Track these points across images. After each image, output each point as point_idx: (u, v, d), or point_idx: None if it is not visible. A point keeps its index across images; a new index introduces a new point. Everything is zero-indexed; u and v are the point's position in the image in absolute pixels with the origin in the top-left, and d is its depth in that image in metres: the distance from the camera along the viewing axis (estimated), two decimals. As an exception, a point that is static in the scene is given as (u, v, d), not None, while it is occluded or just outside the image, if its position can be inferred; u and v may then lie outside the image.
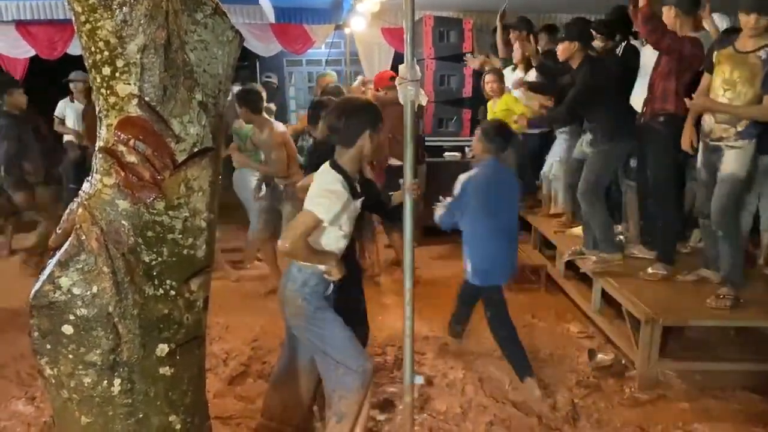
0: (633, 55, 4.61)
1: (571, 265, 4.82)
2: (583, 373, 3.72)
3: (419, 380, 3.11)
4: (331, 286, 2.71)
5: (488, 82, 5.47)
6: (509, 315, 3.52)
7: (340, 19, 7.33)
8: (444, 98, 6.61)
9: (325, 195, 2.54)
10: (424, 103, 5.46)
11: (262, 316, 4.64)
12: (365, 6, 5.52)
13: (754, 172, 3.89)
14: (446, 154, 6.40)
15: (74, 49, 7.54)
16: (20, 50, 7.48)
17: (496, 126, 3.63)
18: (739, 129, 3.58)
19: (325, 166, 2.68)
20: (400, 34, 7.48)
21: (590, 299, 4.35)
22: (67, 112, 7.18)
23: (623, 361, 3.81)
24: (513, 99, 5.42)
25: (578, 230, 4.89)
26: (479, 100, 6.12)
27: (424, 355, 3.92)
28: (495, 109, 5.49)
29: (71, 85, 7.15)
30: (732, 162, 3.63)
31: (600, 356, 3.85)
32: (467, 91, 6.63)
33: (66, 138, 7.29)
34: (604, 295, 4.22)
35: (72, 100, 7.19)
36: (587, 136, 4.56)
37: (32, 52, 7.54)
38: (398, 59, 7.69)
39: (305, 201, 2.60)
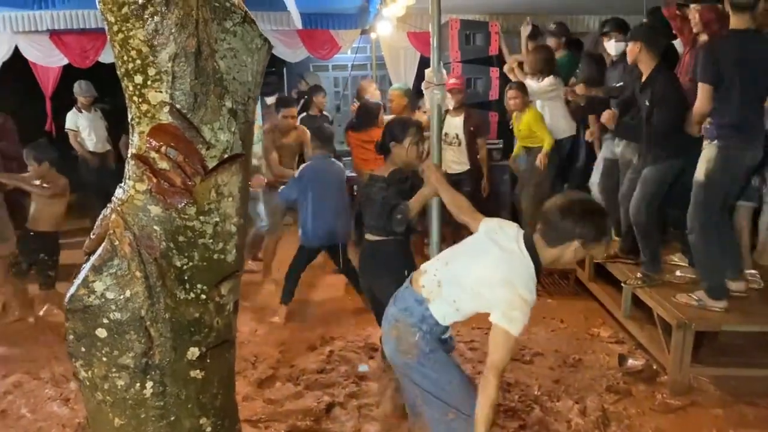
0: (675, 57, 4.47)
1: (600, 270, 4.77)
2: (613, 378, 3.68)
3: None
4: (449, 330, 2.42)
5: (510, 98, 5.43)
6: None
7: (366, 24, 7.36)
8: (470, 102, 6.57)
9: (523, 308, 2.12)
10: (450, 107, 5.45)
11: (290, 320, 4.68)
12: (391, 10, 5.52)
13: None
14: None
15: (105, 57, 7.70)
16: (54, 59, 7.63)
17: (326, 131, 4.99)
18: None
19: (522, 252, 2.23)
20: (426, 38, 7.46)
21: (620, 303, 4.29)
22: (80, 123, 7.29)
23: (654, 367, 3.76)
24: (535, 118, 5.33)
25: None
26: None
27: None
28: (518, 125, 5.46)
29: (77, 96, 7.32)
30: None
31: (631, 361, 3.80)
32: (494, 94, 6.59)
33: (80, 151, 7.45)
34: (635, 299, 4.16)
35: (80, 111, 7.34)
36: (622, 145, 4.47)
37: (65, 61, 7.69)
38: (424, 63, 7.71)
39: (498, 306, 2.14)
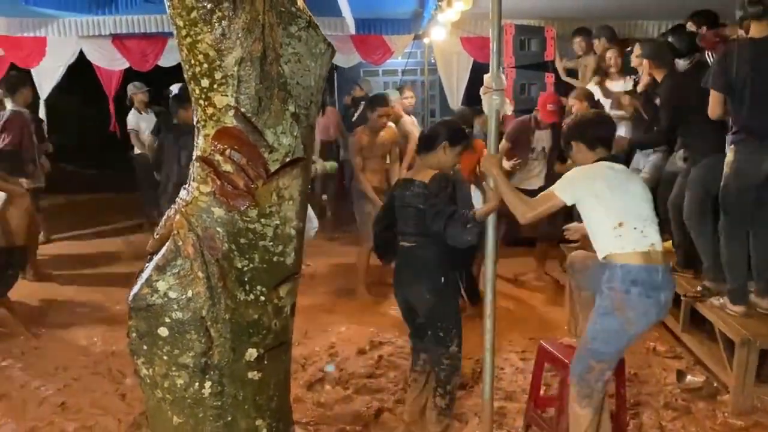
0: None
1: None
2: (671, 394, 3.56)
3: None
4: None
5: (572, 105, 5.34)
6: None
7: (420, 29, 7.35)
8: (524, 107, 6.49)
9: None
10: (509, 113, 5.34)
11: (340, 323, 4.69)
12: (446, 16, 5.49)
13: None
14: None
15: (165, 61, 7.91)
16: (116, 62, 7.89)
17: None
18: None
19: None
20: (479, 44, 7.42)
21: (678, 317, 4.16)
22: (141, 125, 7.41)
23: (715, 384, 3.62)
24: None
25: (667, 244, 4.69)
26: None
27: (502, 370, 3.86)
28: None
29: (132, 97, 7.48)
30: None
31: (689, 378, 3.67)
32: (548, 100, 6.50)
33: (137, 150, 7.63)
34: (693, 313, 4.02)
35: (140, 112, 7.51)
36: (680, 153, 4.36)
37: (126, 64, 7.94)
38: (477, 69, 7.66)
39: None
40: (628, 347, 2.80)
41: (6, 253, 4.46)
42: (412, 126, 6.19)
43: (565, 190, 2.69)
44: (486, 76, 2.83)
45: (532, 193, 4.87)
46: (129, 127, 7.51)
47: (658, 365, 3.94)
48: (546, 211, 2.75)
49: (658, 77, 4.25)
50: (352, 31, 6.79)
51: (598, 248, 2.69)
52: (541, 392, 3.28)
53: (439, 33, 6.59)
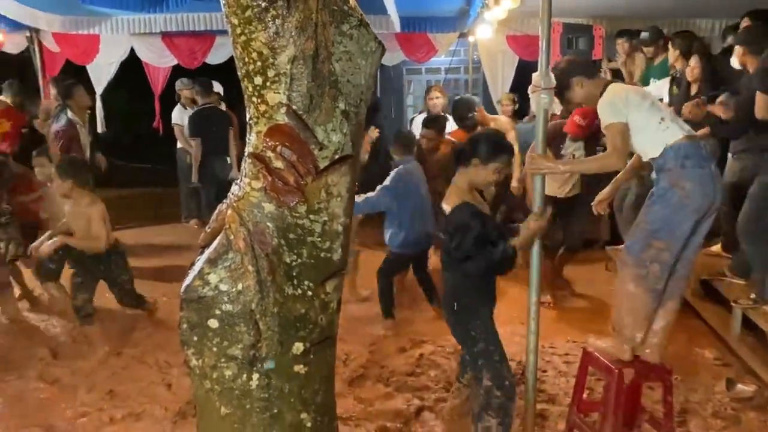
0: None
1: (707, 287, 4.52)
2: (719, 403, 3.47)
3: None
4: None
5: None
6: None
7: (465, 27, 7.32)
8: (571, 107, 6.40)
9: None
10: (557, 112, 5.26)
11: (380, 321, 4.71)
12: (493, 14, 5.46)
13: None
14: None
15: (212, 58, 8.06)
16: (165, 60, 8.07)
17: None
18: None
19: None
20: (525, 42, 7.36)
21: (729, 324, 4.05)
22: (185, 119, 7.51)
23: (766, 394, 3.51)
24: None
25: (717, 248, 4.59)
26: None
27: (545, 372, 3.82)
28: None
29: (179, 93, 7.62)
30: None
31: (740, 386, 3.57)
32: (595, 100, 6.40)
33: (179, 145, 7.79)
34: (746, 320, 3.91)
35: (185, 107, 7.64)
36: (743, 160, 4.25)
37: (174, 62, 8.11)
38: (522, 67, 7.59)
39: None
40: (686, 233, 2.83)
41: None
42: (509, 126, 6.12)
43: (615, 114, 2.88)
44: (535, 75, 2.81)
45: (566, 202, 4.81)
46: (173, 122, 7.67)
47: (706, 372, 3.85)
48: (624, 142, 2.88)
49: (751, 65, 4.04)
50: (397, 29, 6.81)
51: (654, 149, 2.87)
52: (584, 396, 3.24)
53: (485, 31, 6.55)
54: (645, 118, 2.89)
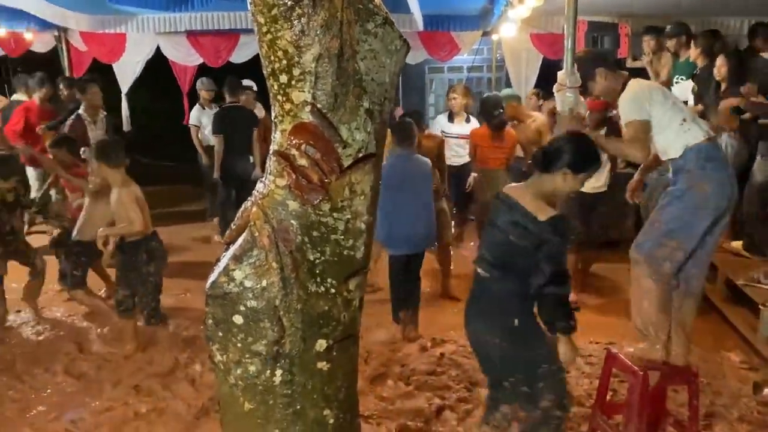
0: None
1: (734, 290, 4.45)
2: (746, 407, 3.42)
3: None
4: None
5: None
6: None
7: (489, 26, 7.29)
8: (595, 106, 6.35)
9: None
10: (582, 111, 5.16)
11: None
12: (517, 12, 5.42)
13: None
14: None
15: (236, 57, 8.12)
16: (190, 58, 8.16)
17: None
18: None
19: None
20: (549, 40, 7.31)
21: (756, 327, 3.98)
22: (203, 120, 7.46)
23: (794, 398, 3.46)
24: None
25: (738, 244, 4.51)
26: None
27: (568, 374, 3.77)
28: None
29: (200, 92, 7.63)
30: None
31: (767, 390, 3.52)
32: (620, 99, 6.33)
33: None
34: (773, 323, 3.85)
35: (203, 107, 7.59)
36: None
37: (200, 60, 8.19)
38: (546, 65, 7.54)
39: None
40: (702, 233, 2.84)
41: (78, 243, 4.67)
42: (546, 128, 6.08)
43: (639, 111, 2.87)
44: (560, 73, 2.79)
45: (591, 198, 4.76)
46: (190, 123, 7.62)
47: (733, 376, 3.79)
48: (647, 138, 2.88)
49: None
50: (420, 27, 6.80)
51: (675, 149, 2.87)
52: (608, 398, 3.21)
53: (508, 29, 6.52)
54: (669, 117, 2.87)
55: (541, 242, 2.45)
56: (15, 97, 7.00)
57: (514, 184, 2.74)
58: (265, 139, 6.76)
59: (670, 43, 5.76)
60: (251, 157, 6.53)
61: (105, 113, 6.41)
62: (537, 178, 2.60)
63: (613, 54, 6.23)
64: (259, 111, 7.19)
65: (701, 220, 2.79)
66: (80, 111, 6.02)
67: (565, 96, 2.74)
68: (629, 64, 6.50)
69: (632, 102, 2.90)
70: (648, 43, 6.09)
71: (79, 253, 4.63)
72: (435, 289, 5.28)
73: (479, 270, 2.68)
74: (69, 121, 5.98)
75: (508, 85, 8.57)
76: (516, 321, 2.54)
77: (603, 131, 4.72)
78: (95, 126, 6.09)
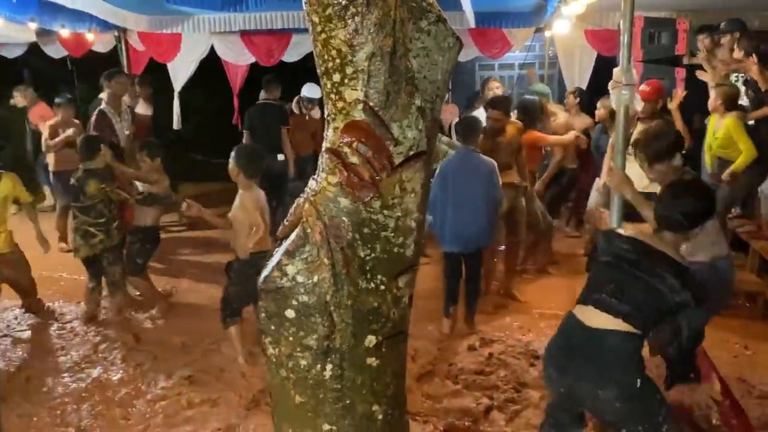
0: None
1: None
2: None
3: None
4: None
5: (712, 98, 5.03)
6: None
7: (542, 22, 7.18)
8: (650, 104, 6.19)
9: None
10: (639, 108, 5.00)
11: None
12: (572, 8, 5.32)
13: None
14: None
15: (288, 56, 8.22)
16: (243, 58, 8.29)
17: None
18: None
19: None
20: (604, 37, 7.15)
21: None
22: None
23: None
24: (736, 126, 4.89)
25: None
26: (692, 107, 5.66)
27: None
28: (716, 132, 5.01)
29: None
30: None
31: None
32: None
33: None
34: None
35: None
36: None
37: (252, 59, 8.32)
38: (601, 63, 7.38)
39: None
40: None
41: (143, 230, 4.83)
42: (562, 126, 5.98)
43: None
44: (616, 70, 2.73)
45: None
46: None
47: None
48: None
49: None
50: (472, 24, 6.73)
51: None
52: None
53: (562, 26, 6.40)
54: None
55: (688, 300, 2.31)
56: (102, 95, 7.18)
57: (640, 229, 2.59)
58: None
59: (725, 40, 5.57)
60: (280, 155, 6.58)
61: (129, 106, 6.38)
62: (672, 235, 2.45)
63: (670, 51, 6.09)
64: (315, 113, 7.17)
65: None
66: (102, 105, 5.88)
67: (620, 93, 2.67)
68: (687, 60, 6.30)
69: None
70: (702, 41, 5.90)
71: (142, 239, 4.78)
72: (495, 286, 5.21)
73: (593, 315, 2.39)
74: (93, 118, 5.86)
75: (561, 82, 8.43)
76: (639, 381, 2.33)
77: (654, 123, 4.64)
78: (120, 118, 5.93)
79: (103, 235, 4.62)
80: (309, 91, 6.72)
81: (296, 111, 6.92)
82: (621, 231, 2.56)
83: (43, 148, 6.73)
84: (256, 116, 6.68)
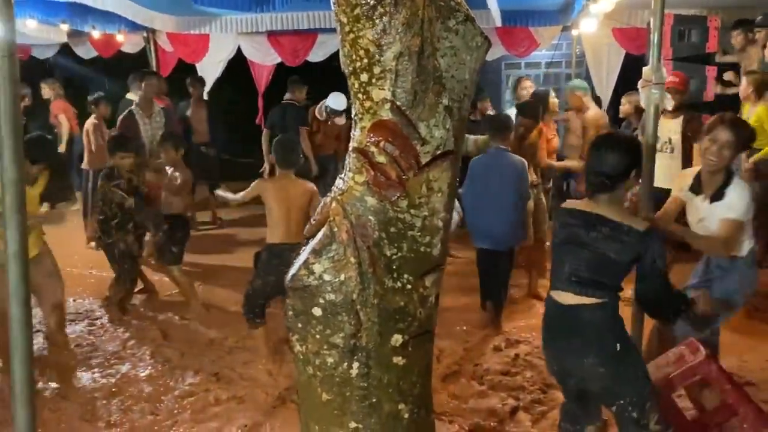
0: None
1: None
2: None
3: None
4: None
5: (743, 86, 4.94)
6: None
7: (569, 21, 7.12)
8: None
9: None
10: (669, 108, 4.90)
11: (473, 314, 4.67)
12: (600, 6, 5.26)
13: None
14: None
15: (313, 56, 8.26)
16: (269, 58, 8.36)
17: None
18: None
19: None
20: (632, 35, 7.07)
21: None
22: None
23: None
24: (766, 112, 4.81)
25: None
26: (723, 105, 5.56)
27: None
28: (749, 117, 4.91)
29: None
30: None
31: None
32: (708, 96, 6.04)
33: None
34: None
35: None
36: None
37: (278, 60, 8.38)
38: (629, 61, 7.29)
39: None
40: None
41: (170, 218, 4.87)
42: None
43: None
44: (645, 69, 2.70)
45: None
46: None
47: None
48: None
49: None
50: (498, 23, 6.69)
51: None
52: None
53: (589, 24, 6.33)
54: None
55: (641, 253, 2.39)
56: (129, 96, 7.29)
57: (575, 200, 2.66)
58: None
59: (760, 36, 5.46)
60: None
61: (162, 106, 6.41)
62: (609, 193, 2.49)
63: (701, 49, 5.99)
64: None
65: None
66: (133, 107, 5.97)
67: (650, 92, 2.64)
68: (719, 58, 6.20)
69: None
70: (736, 38, 5.80)
71: (170, 227, 4.83)
72: (524, 287, 5.18)
73: (562, 296, 2.50)
74: (120, 118, 5.95)
75: (588, 81, 8.34)
76: (618, 345, 2.43)
77: (681, 119, 4.65)
78: (149, 120, 5.96)
79: (100, 233, 4.77)
80: (335, 102, 6.55)
81: (319, 117, 6.89)
82: (565, 205, 2.63)
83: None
84: (276, 116, 6.77)
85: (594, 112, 5.87)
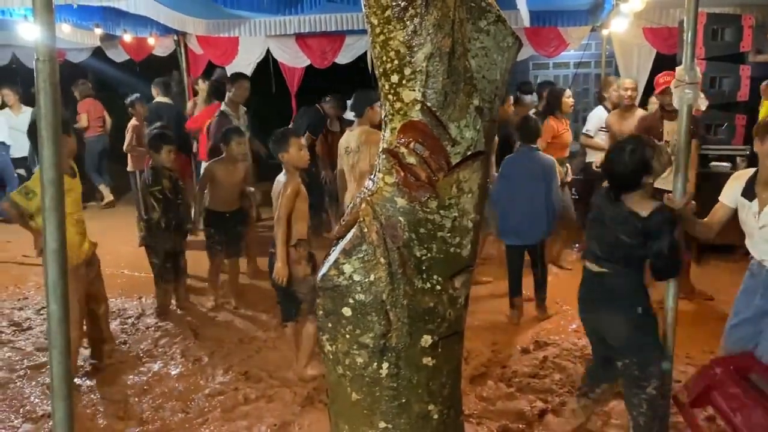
0: None
1: None
2: None
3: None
4: None
5: (765, 83, 4.84)
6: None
7: (598, 21, 7.05)
8: (714, 102, 5.98)
9: None
10: (702, 108, 4.80)
11: (503, 321, 4.66)
12: (630, 5, 5.19)
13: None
14: (712, 164, 5.79)
15: (341, 58, 8.30)
16: (298, 60, 8.42)
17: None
18: None
19: None
20: (663, 35, 6.97)
21: None
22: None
23: None
24: None
25: None
26: (758, 104, 5.46)
27: (678, 382, 3.61)
28: None
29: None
30: None
31: None
32: (743, 95, 5.91)
33: None
34: None
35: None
36: None
37: (307, 62, 8.44)
38: (660, 61, 7.18)
39: None
40: None
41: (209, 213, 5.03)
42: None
43: None
44: (678, 69, 2.66)
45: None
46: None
47: None
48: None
49: None
50: (527, 24, 6.65)
51: None
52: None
53: (620, 24, 6.25)
54: None
55: (646, 235, 2.65)
56: (158, 99, 7.40)
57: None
58: None
59: None
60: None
61: (246, 108, 6.57)
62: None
63: (734, 48, 5.87)
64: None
65: None
66: (223, 107, 6.16)
67: (683, 92, 2.60)
68: (752, 58, 6.08)
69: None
70: None
71: (211, 223, 5.00)
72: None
73: (592, 266, 2.88)
74: (214, 119, 6.12)
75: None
76: (638, 309, 2.75)
77: None
78: (239, 122, 6.16)
79: (144, 232, 4.89)
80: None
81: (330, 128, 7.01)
82: (602, 187, 2.95)
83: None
84: (296, 118, 6.96)
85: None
